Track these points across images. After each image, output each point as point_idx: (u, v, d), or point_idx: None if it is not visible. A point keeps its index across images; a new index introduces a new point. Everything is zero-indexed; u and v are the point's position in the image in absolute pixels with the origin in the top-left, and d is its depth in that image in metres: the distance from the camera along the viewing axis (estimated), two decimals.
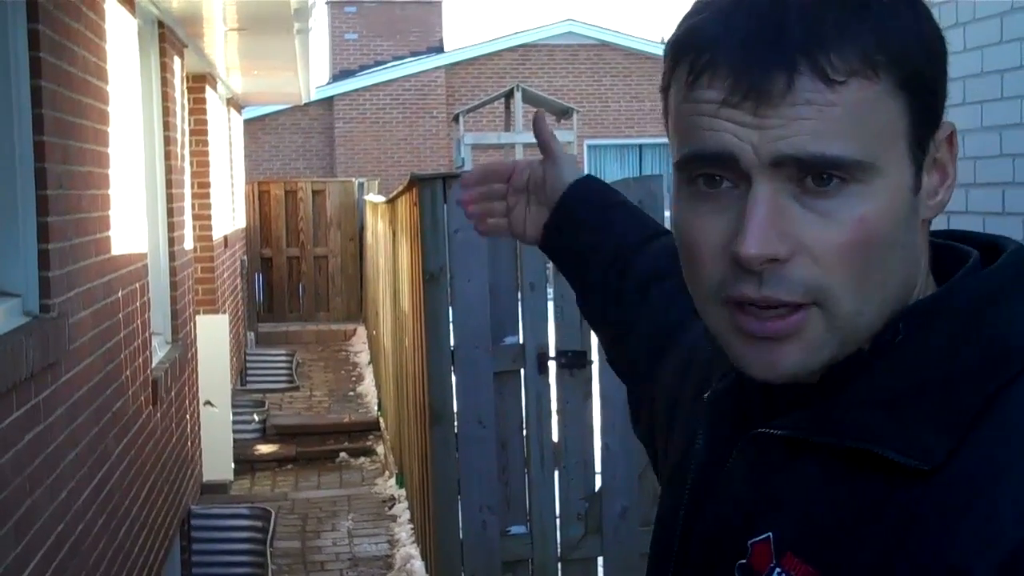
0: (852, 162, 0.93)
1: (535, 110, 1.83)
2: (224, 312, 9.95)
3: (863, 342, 0.99)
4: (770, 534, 0.99)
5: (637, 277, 1.55)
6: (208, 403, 8.29)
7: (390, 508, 7.98)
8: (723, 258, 0.97)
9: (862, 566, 0.92)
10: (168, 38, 7.10)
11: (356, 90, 24.35)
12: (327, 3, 26.02)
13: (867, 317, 0.97)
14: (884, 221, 0.95)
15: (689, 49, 0.98)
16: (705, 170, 0.98)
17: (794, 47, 0.92)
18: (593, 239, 1.62)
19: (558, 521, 5.02)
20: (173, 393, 6.64)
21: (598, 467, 5.05)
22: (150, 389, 5.79)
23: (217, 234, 9.92)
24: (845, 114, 0.93)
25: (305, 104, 17.51)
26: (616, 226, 1.62)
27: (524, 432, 4.96)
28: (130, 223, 5.43)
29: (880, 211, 0.95)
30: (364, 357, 13.79)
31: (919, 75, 0.96)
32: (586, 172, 1.72)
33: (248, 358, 13.29)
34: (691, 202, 1.00)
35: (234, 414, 9.28)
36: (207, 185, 9.46)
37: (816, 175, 0.93)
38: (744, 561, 1.01)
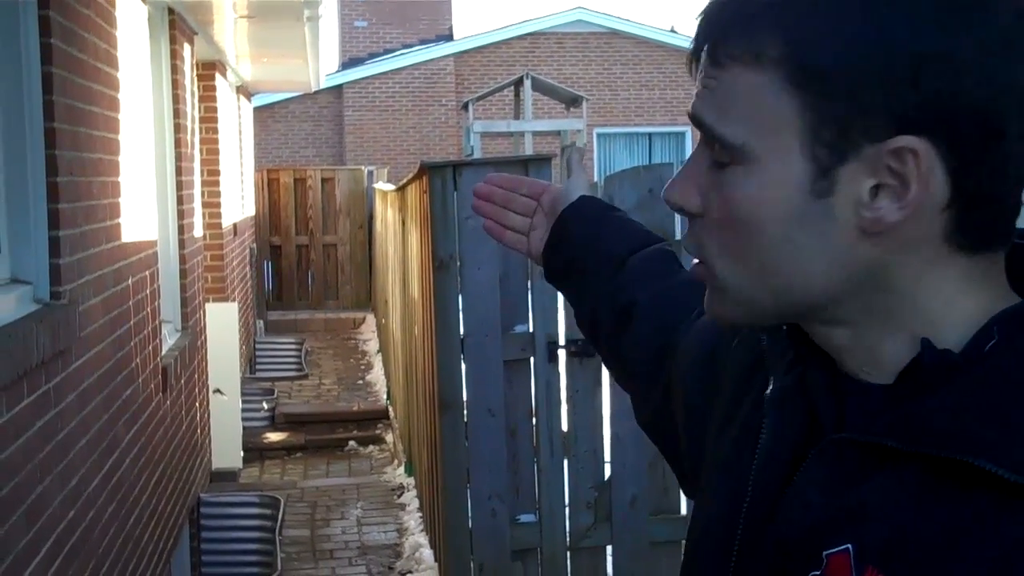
0: (719, 137, 0.99)
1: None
2: (233, 300, 9.97)
3: (777, 317, 1.05)
4: (849, 546, 0.93)
5: (628, 284, 1.59)
6: (217, 391, 8.30)
7: (399, 496, 7.99)
8: None
9: None
10: (178, 25, 7.10)
11: (365, 78, 24.33)
12: None
13: (759, 297, 1.02)
14: (751, 209, 0.98)
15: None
16: None
17: (709, 28, 1.01)
18: (582, 254, 1.65)
19: (567, 510, 5.02)
20: (182, 381, 6.64)
21: (607, 456, 5.05)
22: (160, 377, 5.80)
23: (227, 222, 9.93)
24: (723, 94, 0.99)
25: (315, 92, 17.48)
26: (604, 240, 1.65)
27: (534, 421, 4.95)
28: (140, 210, 5.43)
29: (747, 198, 0.99)
30: (373, 345, 13.79)
31: (825, 76, 0.93)
32: (592, 193, 1.73)
33: (257, 346, 13.31)
34: None
35: (243, 402, 9.29)
36: (217, 173, 9.46)
37: (713, 147, 1.01)
38: (818, 573, 0.95)
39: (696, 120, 1.01)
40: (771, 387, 1.09)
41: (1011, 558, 0.85)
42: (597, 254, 1.64)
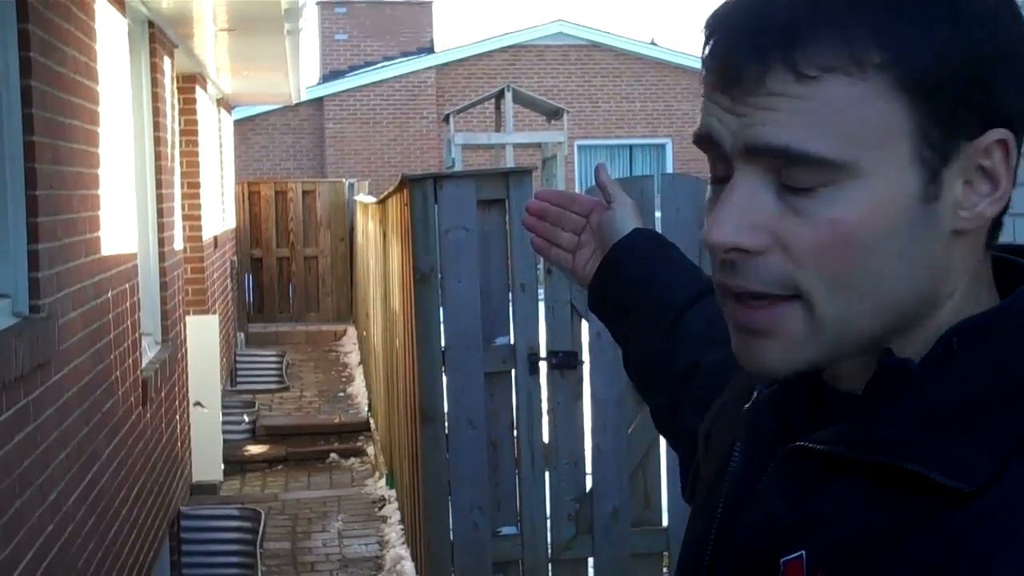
0: (819, 158, 0.90)
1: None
2: (214, 313, 9.94)
3: (862, 350, 0.97)
4: (803, 552, 0.94)
5: (687, 341, 1.51)
6: (198, 404, 8.27)
7: (380, 509, 7.98)
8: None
9: None
10: (158, 38, 7.09)
11: (346, 90, 24.35)
12: (317, 4, 26.00)
13: (857, 324, 0.94)
14: (865, 226, 0.92)
15: (705, 29, 0.98)
16: (711, 155, 0.98)
17: (770, 38, 0.91)
18: (634, 296, 1.58)
19: (548, 522, 5.02)
20: (163, 394, 6.62)
21: (589, 468, 5.05)
22: (140, 390, 5.78)
23: (207, 234, 9.91)
24: (817, 110, 0.90)
25: (295, 104, 17.50)
26: (659, 285, 1.57)
27: (515, 432, 4.95)
28: (120, 223, 5.42)
29: (860, 215, 0.91)
30: (354, 357, 13.78)
31: (930, 78, 0.91)
32: (641, 226, 1.64)
33: (238, 359, 13.27)
34: (711, 197, 1.00)
35: (224, 415, 9.26)
36: (197, 185, 9.44)
37: (791, 172, 0.92)
38: None
39: (768, 149, 0.92)
40: (750, 401, 1.10)
41: (943, 560, 0.86)
42: (651, 300, 1.56)
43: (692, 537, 1.14)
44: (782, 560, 0.96)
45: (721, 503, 1.08)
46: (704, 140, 0.97)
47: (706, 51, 0.97)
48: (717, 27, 0.96)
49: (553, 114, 20.20)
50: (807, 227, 0.92)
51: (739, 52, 0.92)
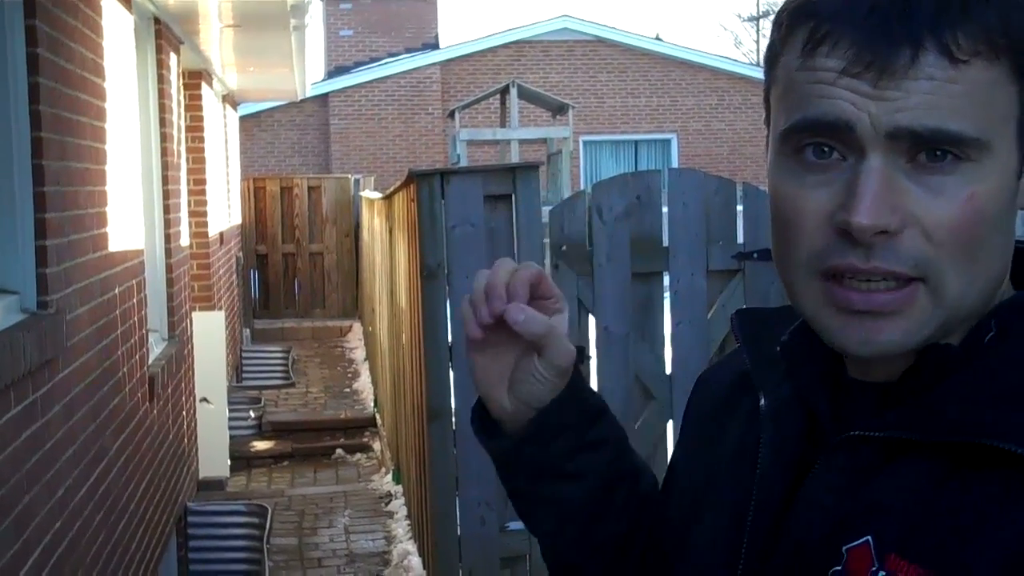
0: (969, 139, 0.93)
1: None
2: (220, 309, 9.95)
3: (956, 330, 1.00)
4: (868, 538, 0.95)
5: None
6: (204, 400, 8.28)
7: (387, 504, 7.98)
8: (827, 229, 0.97)
9: (989, 563, 0.89)
10: (164, 34, 7.10)
11: (352, 86, 24.34)
12: (322, 0, 26.00)
13: (969, 301, 0.98)
14: (992, 201, 0.96)
15: (809, 17, 0.98)
16: (817, 139, 0.98)
17: (922, 23, 0.93)
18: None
19: None
20: (169, 390, 6.63)
21: None
22: (147, 386, 5.79)
23: (213, 231, 9.91)
24: (966, 92, 0.93)
25: (301, 100, 17.50)
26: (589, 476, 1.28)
27: None
28: (127, 220, 5.43)
29: (990, 191, 0.95)
30: (360, 353, 13.78)
31: None
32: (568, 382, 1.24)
33: (244, 355, 13.28)
34: (795, 172, 1.00)
35: (230, 411, 9.27)
36: (203, 182, 9.45)
37: (930, 150, 0.94)
38: (839, 568, 0.97)
39: (921, 131, 0.93)
40: (764, 402, 1.11)
41: None
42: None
43: (707, 538, 1.13)
44: (844, 548, 0.97)
45: (753, 500, 1.08)
46: (835, 126, 0.96)
47: (825, 39, 0.96)
48: (836, 14, 0.96)
49: (558, 109, 20.18)
50: (944, 203, 0.95)
51: (883, 37, 0.93)
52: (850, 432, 1.00)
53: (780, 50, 1.02)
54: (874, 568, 0.95)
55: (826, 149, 0.97)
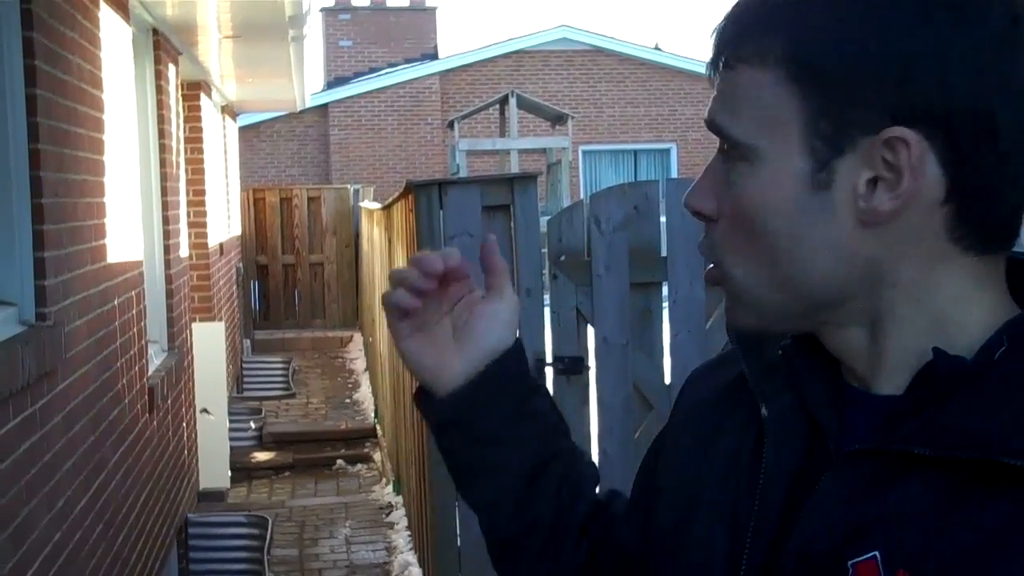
0: (732, 137, 1.02)
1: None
2: (220, 320, 9.95)
3: (790, 317, 1.05)
4: (876, 553, 0.95)
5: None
6: (204, 411, 8.28)
7: (387, 515, 7.97)
8: None
9: None
10: (163, 46, 7.10)
11: (351, 97, 24.37)
12: (321, 10, 26.03)
13: (771, 296, 1.04)
14: (756, 206, 1.01)
15: None
16: None
17: (722, 40, 1.05)
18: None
19: None
20: (169, 401, 6.63)
21: None
22: (146, 397, 5.78)
23: (213, 242, 9.91)
24: (732, 94, 1.03)
25: (300, 111, 17.50)
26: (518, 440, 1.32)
27: None
28: (126, 231, 5.42)
29: (752, 195, 1.02)
30: (360, 364, 13.78)
31: (820, 72, 0.97)
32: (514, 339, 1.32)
33: (244, 365, 13.28)
34: None
35: (230, 422, 9.27)
36: (202, 193, 9.45)
37: (728, 149, 1.04)
38: None
39: (711, 124, 1.05)
40: (764, 410, 1.10)
41: None
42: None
43: (702, 547, 1.12)
44: (850, 563, 0.96)
45: (756, 511, 1.07)
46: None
47: None
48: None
49: (557, 119, 20.21)
50: (727, 200, 1.04)
51: (713, 52, 1.07)
52: (860, 445, 1.00)
53: None
54: None
55: None
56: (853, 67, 0.96)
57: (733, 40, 1.03)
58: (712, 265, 1.08)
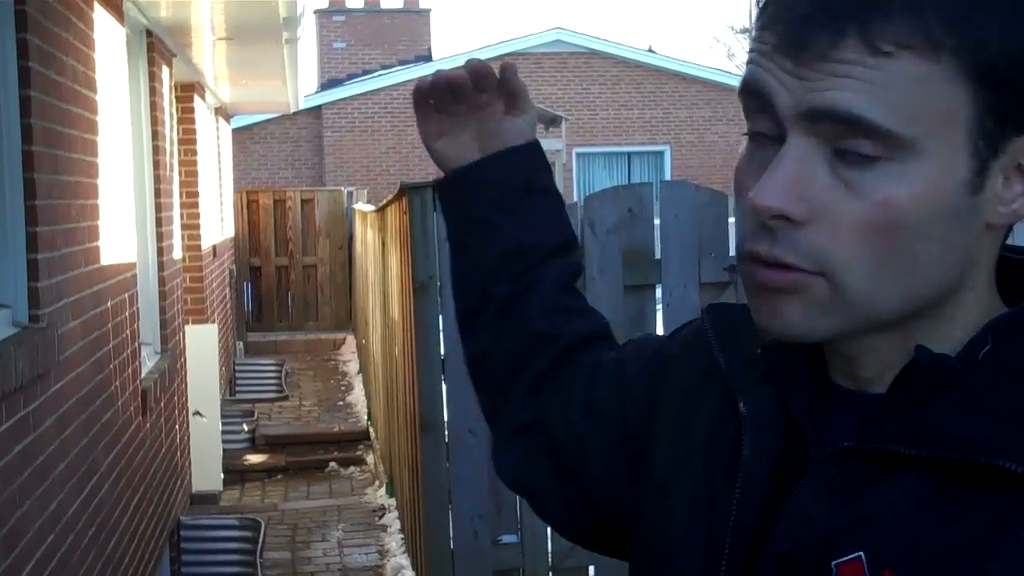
0: (884, 131, 0.90)
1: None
2: (213, 322, 9.94)
3: (881, 329, 0.98)
4: (861, 554, 0.93)
5: (537, 296, 1.40)
6: (197, 413, 8.27)
7: (380, 518, 7.97)
8: (751, 213, 0.96)
9: None
10: (156, 47, 7.10)
11: (344, 99, 24.35)
12: (315, 12, 26.02)
13: (886, 304, 0.95)
14: (914, 208, 0.92)
15: None
16: (753, 113, 0.98)
17: (847, 9, 0.91)
18: (500, 216, 1.41)
19: (549, 530, 5.01)
20: (162, 403, 6.62)
21: None
22: (139, 399, 5.77)
23: (206, 244, 9.91)
24: (888, 84, 0.90)
25: (293, 113, 17.49)
26: (528, 218, 1.42)
27: None
28: (119, 233, 5.42)
29: (911, 196, 0.92)
30: (354, 366, 13.77)
31: (996, 71, 0.92)
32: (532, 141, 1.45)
33: (237, 368, 13.26)
34: (748, 151, 0.99)
35: (223, 424, 9.26)
36: (195, 195, 9.45)
37: (854, 142, 0.92)
38: None
39: (847, 114, 0.91)
40: (743, 405, 1.08)
41: None
42: (513, 231, 1.41)
43: (681, 543, 1.11)
44: (833, 563, 0.94)
45: (735, 509, 1.06)
46: (753, 93, 0.96)
47: (769, 9, 0.97)
48: None
49: (551, 122, 20.20)
50: (857, 203, 0.92)
51: (810, 19, 0.92)
52: (843, 443, 0.98)
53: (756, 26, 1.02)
54: None
55: (764, 120, 0.97)
56: (1020, 60, 0.92)
57: (875, 15, 0.91)
58: (781, 270, 0.96)
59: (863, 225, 0.92)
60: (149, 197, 6.92)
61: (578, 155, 24.71)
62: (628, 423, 1.25)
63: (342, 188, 17.43)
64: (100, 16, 5.15)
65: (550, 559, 4.99)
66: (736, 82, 24.43)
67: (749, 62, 0.98)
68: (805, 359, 1.06)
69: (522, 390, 1.38)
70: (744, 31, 45.20)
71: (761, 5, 1.01)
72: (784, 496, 1.01)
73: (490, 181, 1.40)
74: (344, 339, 15.54)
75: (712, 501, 1.08)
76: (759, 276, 0.97)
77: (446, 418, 4.92)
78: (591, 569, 5.06)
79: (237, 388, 12.77)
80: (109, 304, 5.07)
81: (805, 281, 0.95)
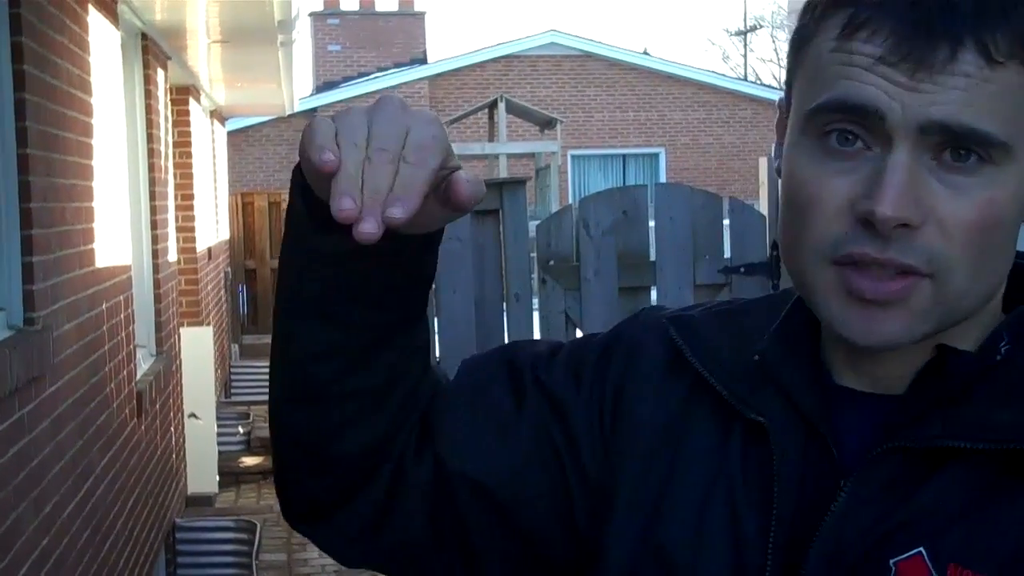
0: (996, 142, 0.93)
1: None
2: (208, 324, 9.93)
3: (947, 332, 1.00)
4: (921, 549, 0.95)
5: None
6: (193, 415, 8.26)
7: None
8: (846, 216, 0.96)
9: None
10: (151, 50, 7.09)
11: (340, 101, 24.32)
12: (310, 15, 26.01)
13: (971, 301, 0.98)
14: (1008, 207, 0.96)
15: (850, 3, 0.96)
16: (844, 124, 0.96)
17: (963, 20, 0.92)
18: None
19: None
20: (157, 406, 6.62)
21: None
22: (134, 402, 5.77)
23: (201, 246, 9.90)
24: (999, 94, 0.93)
25: (289, 116, 17.48)
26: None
27: None
28: (114, 235, 5.42)
29: (1007, 196, 0.95)
30: None
31: None
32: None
33: (232, 370, 13.25)
34: (816, 156, 0.98)
35: (219, 426, 9.25)
36: (191, 197, 9.44)
37: (956, 149, 0.94)
38: None
39: (951, 127, 0.93)
40: (764, 418, 1.05)
41: None
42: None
43: (712, 548, 1.05)
44: (892, 561, 0.95)
45: (774, 519, 1.03)
46: (857, 110, 0.95)
47: (865, 24, 0.95)
48: (881, 1, 0.95)
49: (546, 124, 20.22)
50: (964, 204, 0.95)
51: (927, 31, 0.92)
52: (891, 443, 0.99)
53: (813, 32, 0.99)
54: None
55: (850, 136, 0.96)
56: None
57: (989, 27, 0.92)
58: (896, 278, 0.96)
59: (971, 225, 0.95)
60: (144, 200, 6.92)
61: (573, 157, 24.73)
62: (586, 469, 1.15)
63: None
64: (95, 19, 5.15)
65: None
66: (732, 85, 24.42)
67: (847, 78, 0.95)
68: (805, 361, 1.07)
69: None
70: (739, 33, 45.22)
71: (821, 8, 0.99)
72: (818, 504, 1.01)
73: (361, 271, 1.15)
74: None
75: (736, 518, 1.05)
76: (864, 288, 0.96)
77: None
78: None
79: (232, 390, 12.77)
80: (104, 307, 5.07)
81: (916, 285, 0.96)
